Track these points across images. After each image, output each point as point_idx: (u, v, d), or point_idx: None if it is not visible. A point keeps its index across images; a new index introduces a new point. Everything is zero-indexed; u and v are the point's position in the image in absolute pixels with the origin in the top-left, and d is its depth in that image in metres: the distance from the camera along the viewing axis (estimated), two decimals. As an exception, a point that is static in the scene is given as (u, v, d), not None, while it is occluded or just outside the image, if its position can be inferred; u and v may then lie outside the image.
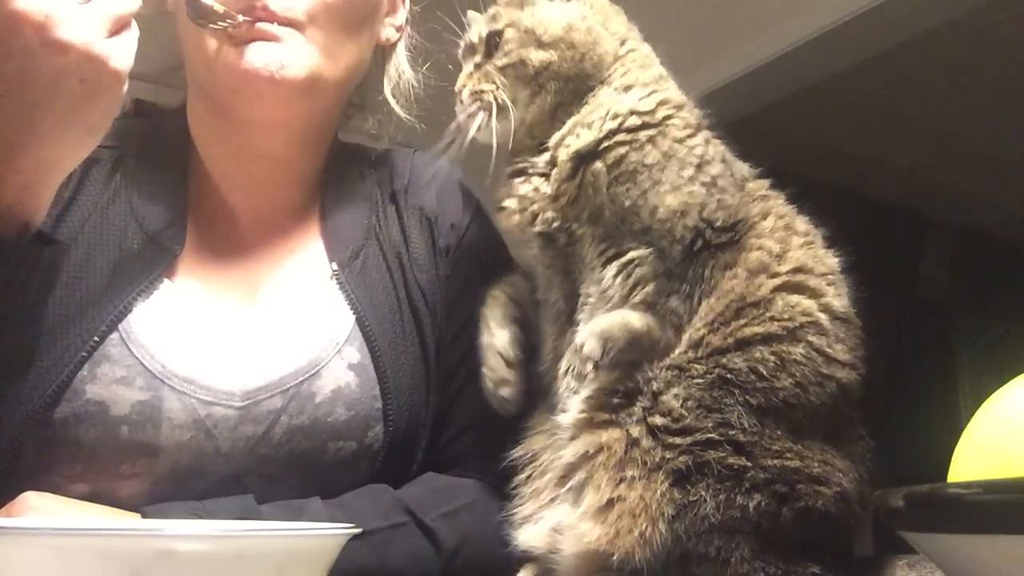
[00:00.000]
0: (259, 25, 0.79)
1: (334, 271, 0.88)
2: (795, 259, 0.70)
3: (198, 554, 0.46)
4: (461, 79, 0.77)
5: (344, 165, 0.97)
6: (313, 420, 0.81)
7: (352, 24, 0.86)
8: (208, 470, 0.78)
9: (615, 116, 0.71)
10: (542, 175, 0.74)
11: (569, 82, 0.74)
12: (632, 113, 0.71)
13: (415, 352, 0.88)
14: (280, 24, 0.80)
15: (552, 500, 0.71)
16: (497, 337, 0.76)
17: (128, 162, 0.87)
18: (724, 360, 0.65)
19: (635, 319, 0.67)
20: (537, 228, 0.73)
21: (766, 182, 0.78)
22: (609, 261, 0.70)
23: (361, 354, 0.85)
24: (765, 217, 0.73)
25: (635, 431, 0.65)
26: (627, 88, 0.74)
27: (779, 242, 0.71)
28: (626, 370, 0.67)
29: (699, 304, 0.68)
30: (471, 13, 0.80)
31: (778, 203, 0.76)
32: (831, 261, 0.74)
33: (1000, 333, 4.02)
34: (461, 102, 0.76)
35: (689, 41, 3.16)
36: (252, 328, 0.84)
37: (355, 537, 0.55)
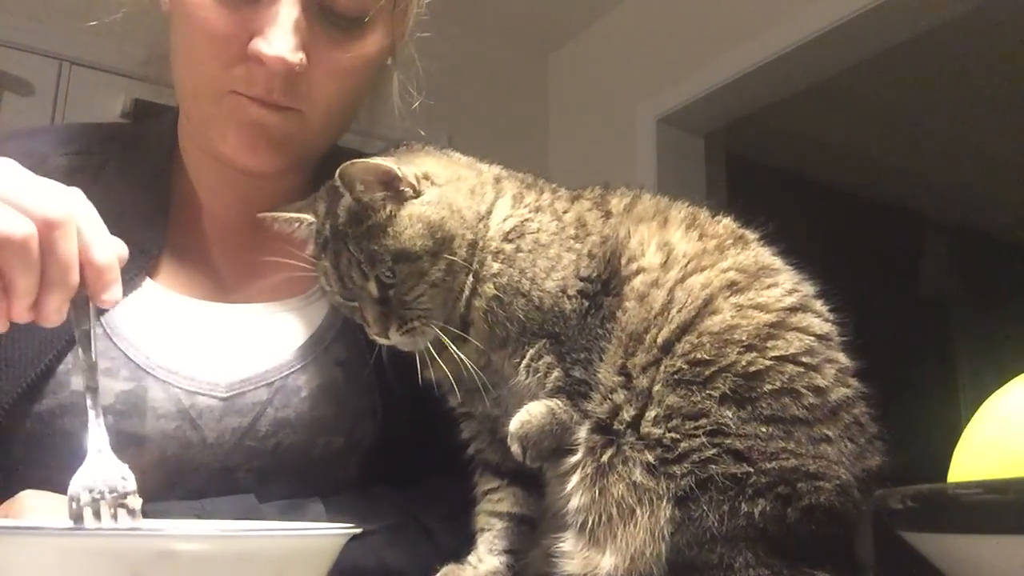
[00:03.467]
0: (264, 110, 0.78)
1: None
2: (682, 255, 0.71)
3: (198, 554, 0.46)
4: (375, 324, 0.73)
5: (335, 169, 0.97)
6: (299, 414, 0.82)
7: (359, 95, 0.86)
8: (196, 462, 0.78)
9: (497, 254, 0.73)
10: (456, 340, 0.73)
11: (467, 261, 0.73)
12: (503, 240, 0.73)
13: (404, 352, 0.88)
14: (286, 107, 0.79)
15: (551, 530, 0.72)
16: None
17: (111, 167, 0.88)
18: (663, 370, 0.65)
19: (536, 407, 0.68)
20: (474, 375, 0.73)
21: (627, 192, 0.78)
22: (517, 367, 0.72)
23: (349, 351, 0.85)
24: (633, 232, 0.73)
25: (636, 475, 0.64)
26: (488, 214, 0.75)
27: (659, 250, 0.72)
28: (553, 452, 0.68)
29: (601, 358, 0.69)
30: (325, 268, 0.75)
31: (643, 204, 0.76)
32: (719, 227, 0.74)
33: (1000, 333, 4.02)
34: (388, 337, 0.73)
35: (690, 42, 3.17)
36: (236, 324, 0.85)
37: (355, 537, 0.55)
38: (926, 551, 0.49)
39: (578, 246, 0.73)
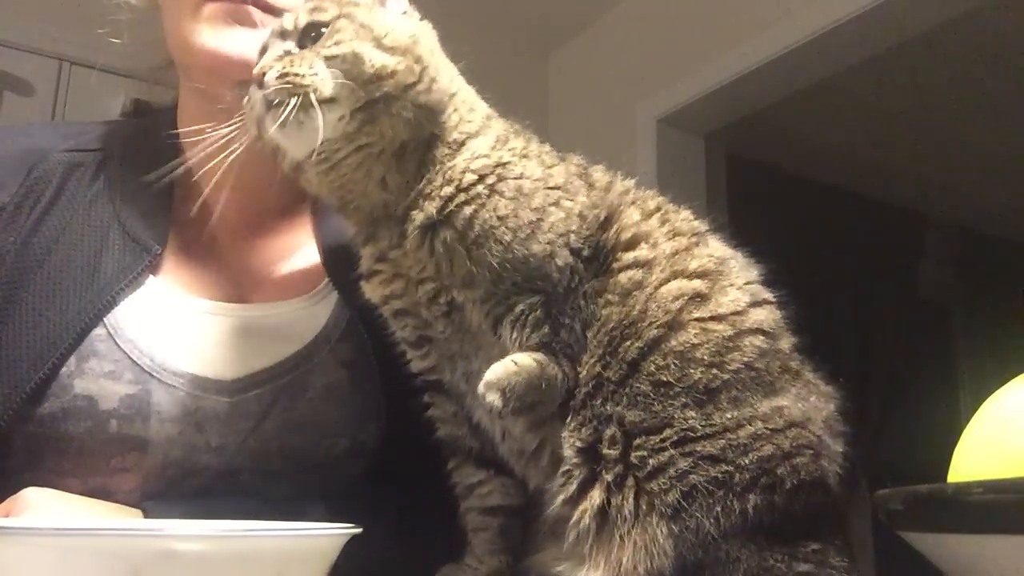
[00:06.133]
0: (246, 7, 0.79)
1: (328, 269, 0.88)
2: (663, 254, 0.69)
3: (198, 554, 0.46)
4: (264, 61, 0.64)
5: None
6: (304, 415, 0.81)
7: None
8: (200, 465, 0.78)
9: (450, 180, 0.67)
10: (396, 246, 0.68)
11: (416, 111, 0.66)
12: (468, 171, 0.67)
13: None
14: (266, 10, 0.79)
15: (544, 539, 0.71)
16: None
17: (112, 163, 0.87)
18: (628, 391, 0.64)
19: (524, 359, 0.64)
20: (424, 301, 0.69)
21: (605, 172, 0.76)
22: (499, 320, 0.67)
23: (355, 351, 0.85)
24: (624, 208, 0.70)
25: (595, 498, 0.64)
26: (460, 145, 0.69)
27: (645, 242, 0.69)
28: (538, 421, 0.66)
29: (583, 334, 0.66)
30: (291, 11, 0.70)
31: (620, 185, 0.74)
32: (683, 223, 0.72)
33: (1000, 333, 4.03)
34: (260, 87, 0.63)
35: (690, 42, 3.17)
36: (241, 324, 0.84)
37: (355, 537, 0.55)
38: (926, 551, 0.49)
39: (568, 203, 0.68)
